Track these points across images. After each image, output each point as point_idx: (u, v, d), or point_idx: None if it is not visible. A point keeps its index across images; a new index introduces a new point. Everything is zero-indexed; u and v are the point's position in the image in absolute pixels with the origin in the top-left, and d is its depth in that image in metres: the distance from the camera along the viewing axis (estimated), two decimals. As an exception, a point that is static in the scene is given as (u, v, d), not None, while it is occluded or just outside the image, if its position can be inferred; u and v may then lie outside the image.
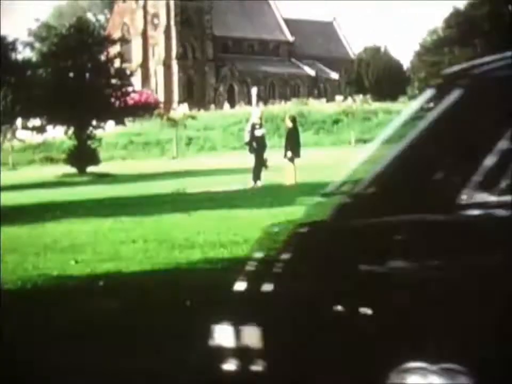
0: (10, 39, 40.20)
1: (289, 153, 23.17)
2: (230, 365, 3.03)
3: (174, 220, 14.43)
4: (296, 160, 23.43)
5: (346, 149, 60.08)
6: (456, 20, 46.32)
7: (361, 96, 78.09)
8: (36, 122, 45.84)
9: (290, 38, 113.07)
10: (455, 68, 3.15)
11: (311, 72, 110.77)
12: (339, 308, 2.92)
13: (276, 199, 17.70)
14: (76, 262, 9.90)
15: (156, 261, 9.81)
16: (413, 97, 66.69)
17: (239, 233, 11.94)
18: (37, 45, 47.30)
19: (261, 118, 24.03)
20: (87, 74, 44.56)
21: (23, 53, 47.22)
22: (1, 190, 25.01)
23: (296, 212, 14.64)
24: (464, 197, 2.87)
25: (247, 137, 23.90)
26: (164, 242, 11.44)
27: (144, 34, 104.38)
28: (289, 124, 23.95)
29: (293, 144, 23.54)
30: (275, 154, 29.13)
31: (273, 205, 16.12)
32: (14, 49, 40.37)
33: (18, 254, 10.94)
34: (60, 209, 18.51)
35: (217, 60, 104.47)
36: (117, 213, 16.41)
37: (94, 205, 20.25)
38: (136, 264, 9.61)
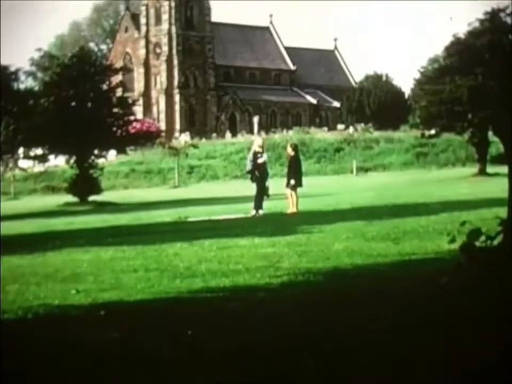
0: (12, 68, 40.34)
1: (292, 182, 23.15)
2: None
3: (176, 248, 14.40)
4: (298, 189, 23.41)
5: (348, 177, 60.22)
6: (457, 49, 46.36)
7: (362, 124, 78.24)
8: (37, 151, 45.92)
9: (292, 67, 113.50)
10: None
11: (313, 101, 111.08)
12: None
13: (278, 228, 17.67)
14: (77, 291, 9.87)
15: (157, 290, 9.78)
16: (414, 125, 66.84)
17: (240, 262, 11.91)
18: (39, 74, 47.50)
19: (262, 147, 24.03)
20: (89, 104, 44.70)
21: (26, 83, 47.43)
22: (2, 220, 25.01)
23: (298, 240, 14.67)
24: None
25: (249, 166, 23.88)
26: (165, 271, 11.41)
27: (146, 64, 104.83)
28: (291, 152, 23.93)
29: (295, 172, 23.52)
30: (277, 183, 29.17)
31: (274, 233, 16.09)
32: (16, 79, 40.52)
33: (19, 284, 10.91)
34: (61, 238, 18.48)
35: (219, 88, 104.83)
36: (118, 242, 16.39)
37: (96, 234, 20.23)
38: (138, 293, 9.57)
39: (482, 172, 47.28)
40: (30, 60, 46.64)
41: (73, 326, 7.71)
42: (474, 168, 49.12)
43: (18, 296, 9.75)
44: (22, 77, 42.94)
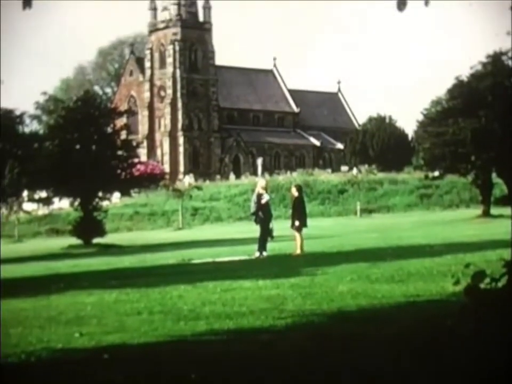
0: (18, 112, 40.58)
1: (296, 223, 23.12)
2: None
3: (179, 291, 14.36)
4: (303, 230, 23.37)
5: (352, 219, 60.19)
6: (460, 91, 46.59)
7: (366, 166, 78.38)
8: (42, 194, 45.99)
9: (296, 109, 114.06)
10: None
11: (316, 143, 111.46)
12: None
13: (282, 270, 17.64)
14: (81, 334, 9.84)
15: (161, 332, 9.75)
16: (418, 167, 66.95)
17: (244, 304, 11.87)
18: (44, 117, 47.79)
19: (266, 188, 24.05)
20: (94, 146, 44.83)
21: (31, 126, 47.70)
22: (7, 263, 25.01)
23: (302, 282, 14.61)
24: None
25: (253, 208, 23.88)
26: (169, 313, 11.38)
27: (151, 107, 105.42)
28: (295, 193, 23.94)
29: (299, 214, 23.50)
30: (281, 224, 29.16)
31: (278, 275, 16.05)
32: (21, 122, 40.74)
33: (23, 327, 10.88)
34: (65, 281, 18.46)
35: (223, 131, 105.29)
36: (122, 284, 16.35)
37: (99, 276, 20.20)
38: (141, 336, 9.54)
39: (486, 214, 47.23)
40: (35, 104, 47.00)
41: (76, 370, 7.67)
42: (478, 210, 49.09)
43: (21, 340, 9.72)
44: (27, 121, 43.18)
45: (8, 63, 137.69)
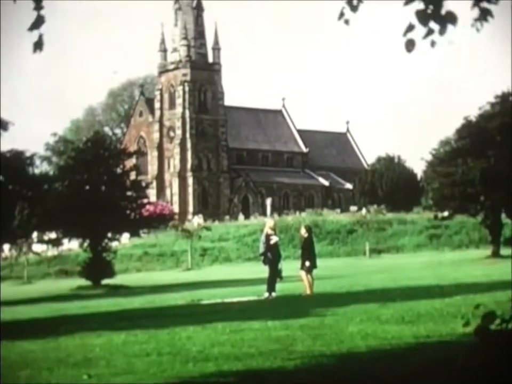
0: (28, 154, 40.78)
1: (306, 264, 23.07)
2: None
3: (188, 332, 14.32)
4: (313, 271, 23.31)
5: (361, 259, 60.04)
6: (468, 131, 46.70)
7: (375, 206, 78.27)
8: (51, 235, 46.05)
9: (304, 149, 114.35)
10: None
11: (325, 183, 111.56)
12: None
13: (291, 310, 17.58)
14: (89, 376, 9.81)
15: (170, 374, 9.71)
16: (427, 207, 66.86)
17: (253, 345, 11.83)
18: (54, 159, 48.01)
19: (274, 229, 24.04)
20: (103, 187, 44.96)
21: (41, 167, 47.90)
22: (16, 304, 25.01)
23: (311, 323, 14.54)
24: None
25: (261, 248, 23.85)
26: (178, 355, 11.34)
27: (160, 147, 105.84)
28: (304, 234, 23.91)
29: (309, 254, 23.46)
30: (290, 265, 29.11)
31: (288, 316, 16.00)
32: (31, 163, 40.93)
33: (31, 369, 10.85)
34: (73, 322, 18.43)
35: (232, 171, 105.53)
36: (131, 325, 16.32)
37: (108, 317, 20.16)
38: (150, 377, 9.51)
39: (495, 254, 47.04)
40: (46, 145, 47.28)
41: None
42: (488, 250, 48.91)
43: (30, 382, 9.69)
44: (37, 162, 43.40)
45: (18, 104, 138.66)
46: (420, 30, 6.43)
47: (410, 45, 6.44)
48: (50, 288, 45.40)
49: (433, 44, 6.47)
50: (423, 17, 6.39)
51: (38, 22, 6.82)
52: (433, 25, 6.42)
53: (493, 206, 45.91)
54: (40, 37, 6.88)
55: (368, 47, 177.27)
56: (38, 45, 6.90)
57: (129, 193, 46.16)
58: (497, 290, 18.15)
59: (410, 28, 6.40)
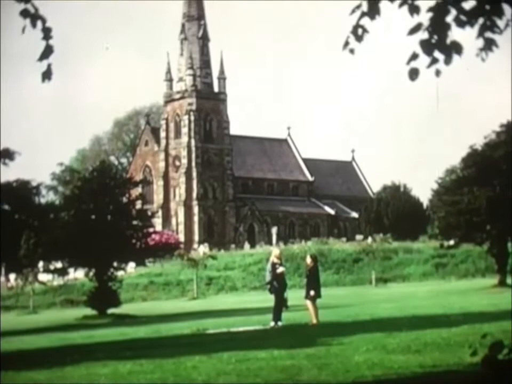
0: (34, 183, 40.87)
1: (311, 293, 23.02)
2: None
3: (194, 361, 14.27)
4: (317, 300, 23.26)
5: (367, 288, 59.83)
6: (474, 160, 46.71)
7: (381, 235, 78.15)
8: (57, 265, 46.00)
9: (310, 178, 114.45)
10: None
11: (331, 211, 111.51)
12: None
13: (297, 340, 17.52)
14: (95, 406, 9.78)
15: (176, 404, 9.67)
16: (433, 236, 66.73)
17: (259, 375, 11.79)
18: (60, 188, 48.08)
19: (280, 258, 24.03)
20: (109, 216, 44.96)
21: (47, 197, 47.94)
22: (22, 334, 24.95)
23: (317, 352, 14.50)
24: None
25: (267, 277, 23.83)
26: (184, 385, 11.30)
27: (166, 176, 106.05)
28: (310, 263, 23.88)
29: (314, 283, 23.43)
30: (295, 294, 29.04)
31: (294, 345, 15.95)
32: (37, 193, 41.00)
33: (37, 399, 10.82)
34: (79, 352, 18.39)
35: (238, 200, 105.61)
36: (136, 355, 16.27)
37: (114, 347, 20.10)
38: (156, 408, 9.47)
39: (502, 283, 46.82)
40: (52, 174, 47.40)
41: None
42: (494, 279, 48.70)
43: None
44: (44, 191, 43.43)
45: (25, 134, 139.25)
46: (424, 58, 6.47)
47: (413, 74, 6.47)
48: (56, 317, 45.29)
49: (438, 73, 6.50)
50: (427, 46, 6.43)
51: (47, 52, 6.88)
52: (437, 54, 6.45)
53: (499, 235, 45.80)
54: (49, 66, 6.94)
55: (373, 75, 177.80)
56: (47, 75, 6.96)
57: (135, 222, 46.13)
58: (504, 320, 18.07)
59: (414, 56, 6.44)
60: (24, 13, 6.81)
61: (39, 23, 6.82)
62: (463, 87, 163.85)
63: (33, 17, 6.80)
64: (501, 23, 6.51)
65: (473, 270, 67.11)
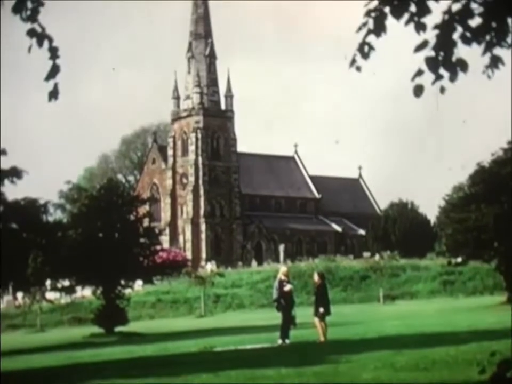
0: (42, 201, 40.93)
1: (320, 310, 22.95)
2: None
3: (201, 379, 14.24)
4: (326, 317, 23.19)
5: (375, 306, 59.68)
6: (482, 177, 46.66)
7: (388, 252, 78.04)
8: (65, 283, 46.00)
9: (317, 195, 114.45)
10: None
11: (338, 229, 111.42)
12: None
13: (305, 358, 17.47)
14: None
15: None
16: (440, 253, 66.58)
17: (267, 393, 11.75)
18: (68, 206, 48.11)
19: (287, 275, 23.99)
20: (116, 234, 44.99)
21: (54, 215, 47.95)
22: (29, 353, 24.93)
23: (325, 370, 14.46)
24: None
25: (275, 295, 23.79)
26: (191, 403, 11.27)
27: (173, 194, 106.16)
28: (318, 281, 23.83)
29: (322, 301, 23.36)
30: (303, 311, 28.96)
31: (301, 363, 15.90)
32: (45, 211, 41.04)
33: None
34: (87, 370, 18.37)
35: (245, 217, 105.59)
36: (144, 373, 16.24)
37: (122, 365, 20.07)
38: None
39: (510, 300, 46.67)
40: (59, 193, 47.42)
41: None
42: (503, 297, 48.55)
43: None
44: (51, 209, 43.45)
45: (33, 152, 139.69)
46: (428, 75, 6.47)
47: (418, 91, 6.47)
48: (64, 336, 45.26)
49: (442, 90, 6.50)
50: (432, 64, 6.44)
51: (54, 71, 6.90)
52: (443, 71, 6.46)
53: (507, 252, 45.66)
54: (56, 85, 6.96)
55: (379, 92, 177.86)
56: (54, 94, 6.98)
57: (142, 240, 46.16)
58: (513, 337, 17.98)
59: (419, 73, 6.44)
60: (31, 33, 6.83)
61: (45, 42, 6.85)
62: (474, 105, 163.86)
63: (40, 36, 6.83)
64: (508, 39, 6.52)
65: (481, 288, 66.92)
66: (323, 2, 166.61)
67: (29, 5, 6.77)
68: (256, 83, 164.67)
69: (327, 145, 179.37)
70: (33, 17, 6.79)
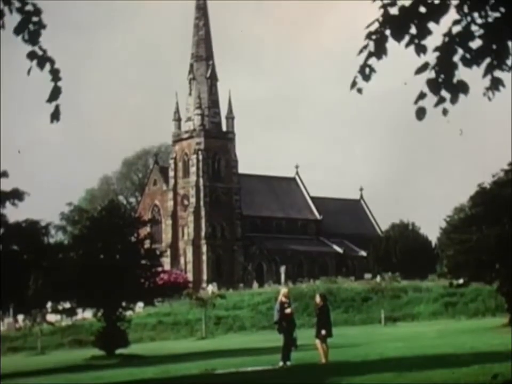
0: (43, 223, 40.93)
1: (322, 332, 22.90)
2: None
3: (203, 403, 14.19)
4: (327, 339, 23.14)
5: (376, 327, 59.47)
6: (482, 198, 46.67)
7: (390, 273, 77.93)
8: (66, 305, 45.90)
9: (318, 216, 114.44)
10: None
11: (339, 250, 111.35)
12: None
13: (306, 380, 17.41)
14: None
15: None
16: (442, 274, 66.44)
17: (269, 416, 11.70)
18: (69, 228, 48.12)
19: (288, 297, 23.96)
20: (117, 256, 44.96)
21: (56, 237, 47.92)
22: (30, 375, 24.85)
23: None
24: None
25: (276, 316, 23.76)
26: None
27: (174, 215, 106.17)
28: (319, 302, 23.81)
29: (324, 322, 23.32)
30: (304, 333, 28.89)
31: (303, 386, 15.84)
32: (46, 233, 41.04)
33: None
34: (87, 392, 18.30)
35: (246, 238, 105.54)
36: (145, 396, 16.18)
37: (122, 388, 19.99)
38: None
39: (513, 322, 46.51)
40: (61, 214, 47.33)
41: None
42: (505, 318, 48.38)
43: None
44: (52, 231, 43.43)
45: (34, 174, 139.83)
46: (431, 97, 6.48)
47: (421, 113, 6.49)
48: (64, 358, 45.09)
49: (445, 112, 6.52)
50: (434, 86, 6.45)
51: (56, 93, 6.92)
52: (444, 93, 6.47)
53: (509, 274, 45.57)
54: (57, 107, 6.97)
55: (380, 114, 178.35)
56: (55, 116, 6.99)
57: (143, 261, 46.10)
58: (515, 359, 17.91)
59: (422, 96, 6.46)
60: (31, 55, 6.85)
61: (47, 65, 6.86)
62: (476, 126, 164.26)
63: (41, 59, 6.85)
64: (508, 62, 6.54)
65: (483, 309, 66.68)
66: (325, 24, 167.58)
67: (31, 27, 6.79)
68: (257, 103, 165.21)
69: (328, 166, 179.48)
70: (34, 40, 6.80)
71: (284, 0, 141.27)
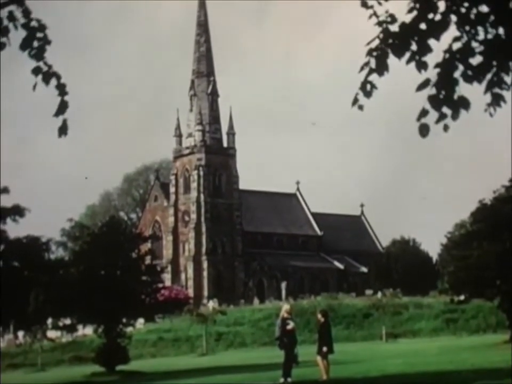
0: (44, 239, 40.96)
1: (324, 349, 22.86)
2: None
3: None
4: (329, 356, 23.09)
5: (377, 344, 59.34)
6: (483, 214, 46.66)
7: (391, 289, 77.82)
8: (66, 321, 45.83)
9: (319, 233, 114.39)
10: None
11: (340, 266, 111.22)
12: None
13: (308, 397, 17.38)
14: None
15: None
16: (443, 291, 66.34)
17: (270, 432, 11.67)
18: (70, 244, 48.17)
19: (290, 313, 23.94)
20: (118, 272, 44.93)
21: (56, 253, 47.96)
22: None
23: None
24: None
25: (277, 332, 23.74)
26: None
27: (175, 231, 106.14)
28: (321, 319, 23.78)
29: (326, 339, 23.29)
30: (306, 349, 28.83)
31: (304, 402, 15.81)
32: (47, 249, 41.06)
33: None
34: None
35: (247, 254, 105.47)
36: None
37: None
38: None
39: (514, 339, 46.39)
40: (61, 230, 47.48)
41: None
42: (506, 335, 48.24)
43: None
44: (53, 247, 43.47)
45: (35, 190, 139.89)
46: (432, 114, 6.51)
47: (424, 130, 6.51)
48: (64, 375, 44.98)
49: (446, 128, 6.54)
50: (435, 102, 6.48)
51: (63, 108, 6.94)
52: (445, 109, 6.50)
53: (510, 290, 45.51)
54: (65, 121, 6.99)
55: (381, 129, 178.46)
56: (63, 130, 7.00)
57: (144, 277, 46.06)
58: (517, 376, 17.87)
59: (424, 113, 6.48)
60: (36, 71, 6.88)
61: (53, 80, 6.89)
62: (476, 140, 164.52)
63: (47, 74, 6.87)
64: (508, 79, 6.57)
65: (484, 326, 66.54)
66: (325, 39, 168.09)
67: (35, 43, 6.83)
68: (258, 120, 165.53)
69: (329, 182, 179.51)
70: (39, 55, 6.84)
71: (285, 15, 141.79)
